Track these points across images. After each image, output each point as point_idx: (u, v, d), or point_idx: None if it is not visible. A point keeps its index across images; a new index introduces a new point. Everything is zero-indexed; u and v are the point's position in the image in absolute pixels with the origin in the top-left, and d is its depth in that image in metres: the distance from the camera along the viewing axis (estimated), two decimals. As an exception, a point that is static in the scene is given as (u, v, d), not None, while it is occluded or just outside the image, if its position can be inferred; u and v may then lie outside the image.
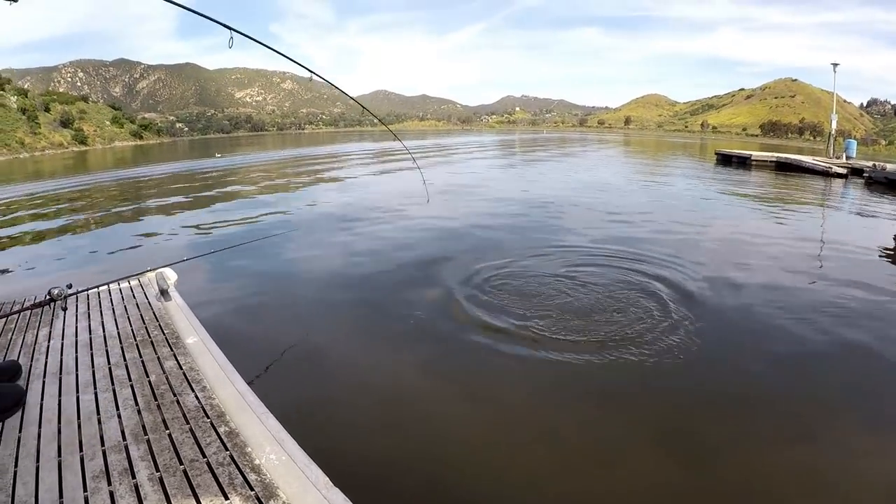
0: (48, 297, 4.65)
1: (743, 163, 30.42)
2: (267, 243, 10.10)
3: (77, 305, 4.94)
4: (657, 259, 8.49)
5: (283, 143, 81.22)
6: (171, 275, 5.40)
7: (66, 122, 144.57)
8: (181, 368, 3.65)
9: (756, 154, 31.14)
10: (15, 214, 16.40)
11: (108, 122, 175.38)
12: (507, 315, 6.11)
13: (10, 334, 4.43)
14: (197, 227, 13.06)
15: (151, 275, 5.49)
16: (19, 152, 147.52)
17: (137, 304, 4.92)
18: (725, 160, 32.58)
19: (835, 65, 30.24)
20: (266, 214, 14.39)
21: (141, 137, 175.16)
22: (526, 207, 14.33)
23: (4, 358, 3.93)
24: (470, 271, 7.81)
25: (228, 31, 3.73)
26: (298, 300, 7.11)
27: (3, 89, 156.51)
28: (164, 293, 5.06)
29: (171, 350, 3.95)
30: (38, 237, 12.53)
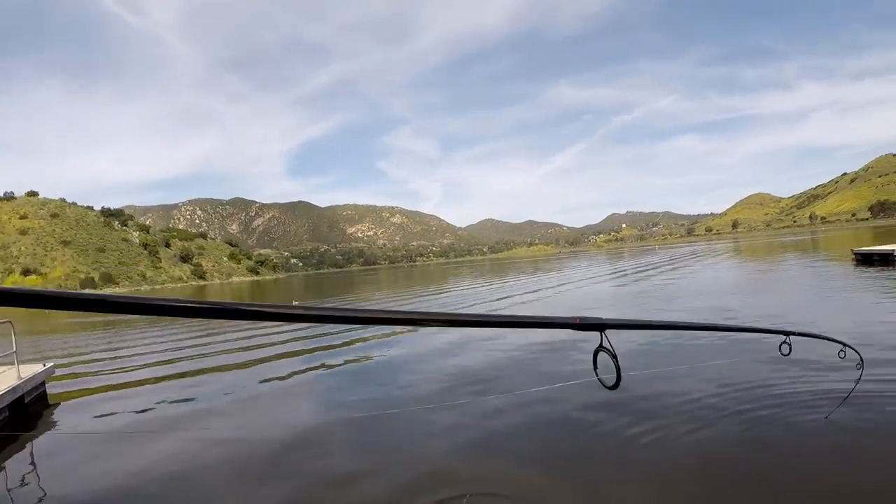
0: None
1: (886, 259, 28.80)
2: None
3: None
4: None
5: (395, 282, 77.11)
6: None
7: (185, 258, 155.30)
8: None
9: (900, 248, 30.22)
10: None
11: (225, 258, 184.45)
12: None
13: None
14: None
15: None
16: (140, 284, 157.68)
17: None
18: (865, 259, 30.67)
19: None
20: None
21: (257, 273, 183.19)
22: None
23: None
24: None
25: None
26: None
27: (126, 225, 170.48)
28: None
29: None
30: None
